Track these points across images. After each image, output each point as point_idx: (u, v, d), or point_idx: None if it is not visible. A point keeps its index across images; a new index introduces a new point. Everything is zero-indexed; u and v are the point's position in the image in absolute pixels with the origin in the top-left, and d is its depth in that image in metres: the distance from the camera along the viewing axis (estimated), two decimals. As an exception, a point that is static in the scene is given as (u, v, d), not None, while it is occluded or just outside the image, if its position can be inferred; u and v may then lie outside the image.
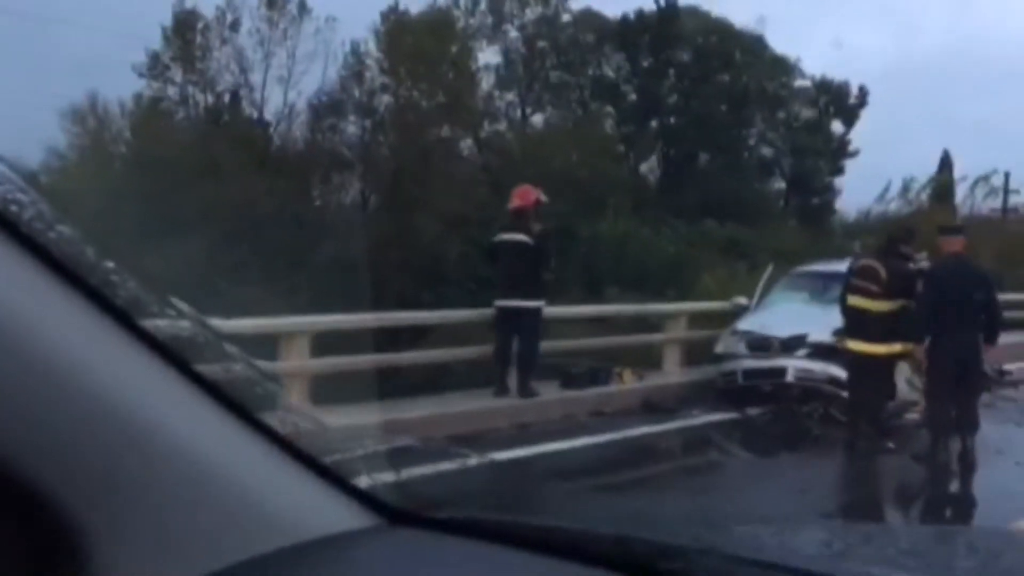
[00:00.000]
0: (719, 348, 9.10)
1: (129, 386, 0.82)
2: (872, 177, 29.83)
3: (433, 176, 20.88)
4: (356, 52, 20.68)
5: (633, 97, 24.82)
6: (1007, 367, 10.20)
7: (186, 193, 18.92)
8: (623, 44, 24.54)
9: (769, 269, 10.39)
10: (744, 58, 25.35)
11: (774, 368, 8.50)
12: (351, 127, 21.12)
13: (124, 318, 0.82)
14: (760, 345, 8.71)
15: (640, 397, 8.51)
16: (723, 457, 7.56)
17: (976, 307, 6.84)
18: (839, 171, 26.98)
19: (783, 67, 25.99)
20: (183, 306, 1.00)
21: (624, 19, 24.27)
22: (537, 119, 25.50)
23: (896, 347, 7.15)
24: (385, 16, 21.07)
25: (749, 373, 8.63)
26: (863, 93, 26.55)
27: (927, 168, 29.19)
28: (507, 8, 23.58)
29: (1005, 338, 11.98)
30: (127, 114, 19.99)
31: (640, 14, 24.17)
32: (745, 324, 9.15)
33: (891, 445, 7.09)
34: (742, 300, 10.15)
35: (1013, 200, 30.70)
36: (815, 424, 7.98)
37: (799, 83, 26.37)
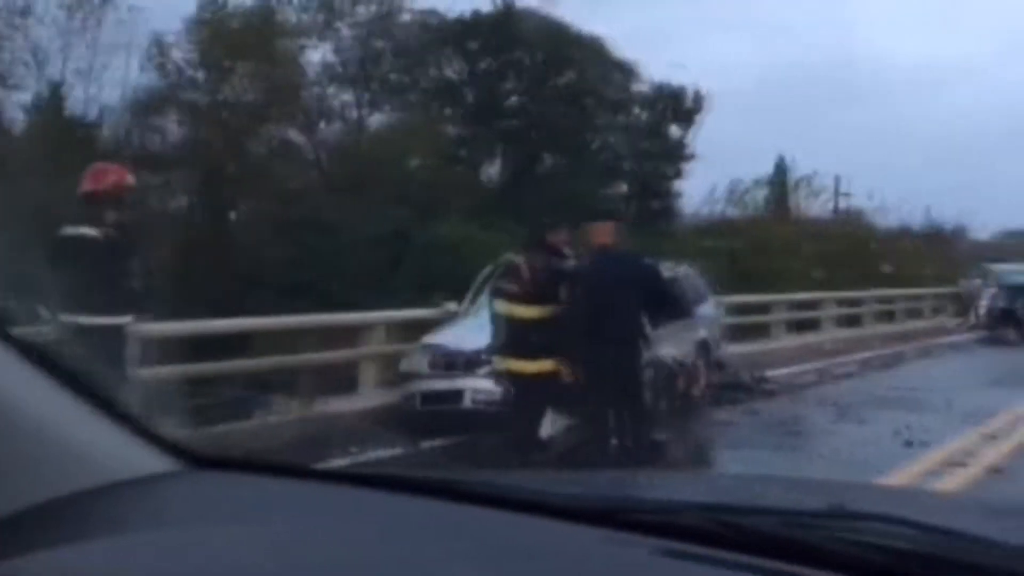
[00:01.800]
0: (404, 366, 7.73)
1: None
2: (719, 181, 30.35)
3: (256, 177, 19.88)
4: (160, 44, 19.39)
5: (473, 99, 24.42)
6: (769, 373, 9.93)
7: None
8: (461, 45, 24.12)
9: (488, 269, 8.54)
10: (583, 61, 25.34)
11: (452, 391, 7.14)
12: (164, 124, 19.82)
13: None
14: (445, 362, 7.38)
15: (302, 430, 6.88)
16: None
17: (633, 309, 5.75)
18: (679, 175, 27.38)
19: (623, 71, 26.14)
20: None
21: (461, 19, 23.85)
22: (375, 120, 24.79)
23: (547, 364, 5.87)
24: (202, 7, 19.87)
25: (428, 397, 7.24)
26: (699, 98, 27.04)
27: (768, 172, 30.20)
28: (338, 5, 22.76)
29: (783, 342, 12.06)
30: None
31: (477, 15, 23.80)
32: (436, 337, 7.80)
33: None
34: (452, 305, 8.68)
35: (844, 203, 32.29)
36: (497, 460, 6.42)
37: (638, 87, 26.60)
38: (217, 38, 20.21)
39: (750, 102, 41.40)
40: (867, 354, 12.56)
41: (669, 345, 7.88)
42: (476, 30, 23.84)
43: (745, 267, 19.83)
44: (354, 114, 24.59)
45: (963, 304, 17.53)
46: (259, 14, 21.06)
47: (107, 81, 19.07)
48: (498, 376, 6.36)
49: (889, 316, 16.60)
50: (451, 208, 21.47)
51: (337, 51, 23.78)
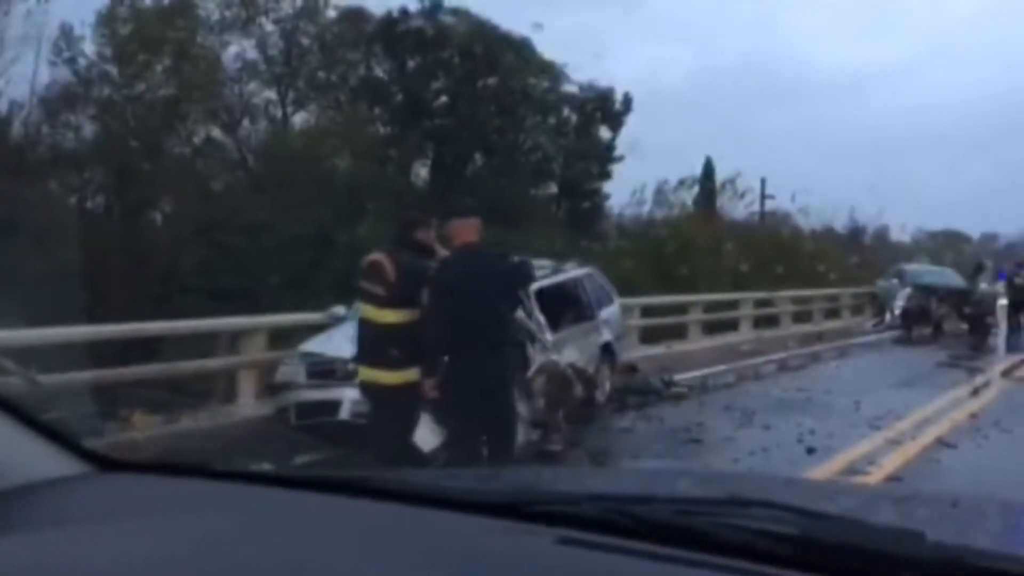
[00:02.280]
0: (278, 376, 7.06)
1: None
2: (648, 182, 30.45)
3: (176, 176, 19.35)
4: (68, 37, 18.75)
5: (401, 98, 24.17)
6: (682, 376, 9.72)
7: None
8: (388, 43, 23.84)
9: None
10: (512, 61, 25.28)
11: (329, 402, 6.45)
12: (76, 120, 19.16)
13: None
14: (323, 371, 6.68)
15: (160, 447, 6.25)
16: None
17: (500, 315, 5.13)
18: (607, 176, 27.50)
19: (551, 72, 26.14)
20: None
21: (388, 17, 23.58)
22: (300, 118, 24.38)
23: (410, 374, 5.21)
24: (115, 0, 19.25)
25: (304, 409, 6.58)
26: (628, 100, 27.20)
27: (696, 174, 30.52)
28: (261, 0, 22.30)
29: (699, 344, 11.87)
30: None
31: (405, 12, 23.55)
32: (314, 343, 7.10)
33: None
34: (340, 310, 7.86)
35: (769, 205, 32.93)
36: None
37: (567, 88, 26.62)
38: (132, 32, 19.63)
39: (679, 105, 42.19)
40: (782, 355, 12.55)
41: (570, 349, 7.47)
42: (404, 28, 23.58)
43: (670, 268, 19.98)
44: (278, 112, 24.15)
45: (879, 304, 17.79)
46: (176, 8, 20.52)
47: (15, 75, 18.35)
48: (361, 387, 5.57)
49: (807, 316, 16.75)
50: (377, 209, 21.20)
51: (260, 47, 23.33)
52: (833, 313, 17.72)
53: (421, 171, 25.18)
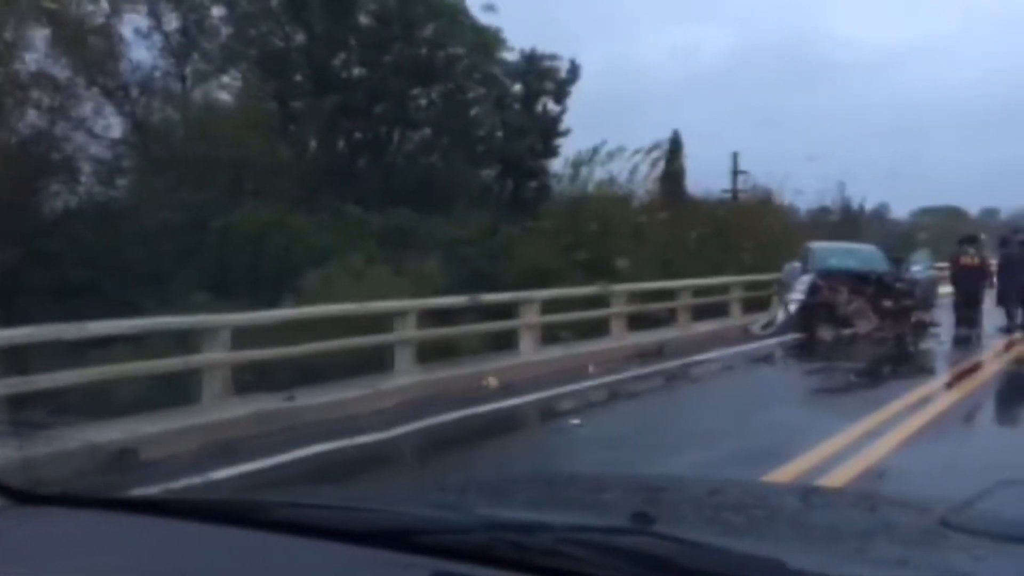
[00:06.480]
0: None
1: None
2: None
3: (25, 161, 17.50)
4: None
5: (307, 69, 21.94)
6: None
7: None
8: (294, 7, 21.61)
9: None
10: (440, 27, 22.91)
11: None
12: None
13: None
14: None
15: None
16: None
17: None
18: (553, 152, 24.96)
19: (486, 38, 23.69)
20: None
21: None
22: (199, 94, 22.32)
23: None
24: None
25: None
26: (575, 68, 24.63)
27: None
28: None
29: (404, 379, 7.52)
30: None
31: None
32: None
33: None
34: None
35: (743, 181, 30.20)
36: None
37: (504, 55, 24.16)
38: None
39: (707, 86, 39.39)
40: (523, 399, 7.90)
41: None
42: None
43: (581, 253, 17.57)
44: (177, 87, 22.12)
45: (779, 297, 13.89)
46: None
47: None
48: None
49: (666, 318, 12.64)
50: (259, 190, 19.10)
51: (152, 15, 21.30)
52: (715, 311, 13.92)
53: (331, 148, 22.93)
